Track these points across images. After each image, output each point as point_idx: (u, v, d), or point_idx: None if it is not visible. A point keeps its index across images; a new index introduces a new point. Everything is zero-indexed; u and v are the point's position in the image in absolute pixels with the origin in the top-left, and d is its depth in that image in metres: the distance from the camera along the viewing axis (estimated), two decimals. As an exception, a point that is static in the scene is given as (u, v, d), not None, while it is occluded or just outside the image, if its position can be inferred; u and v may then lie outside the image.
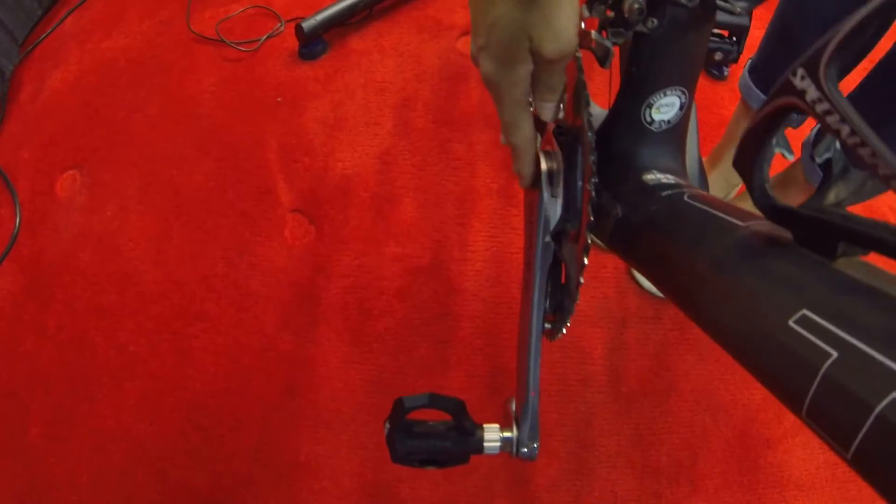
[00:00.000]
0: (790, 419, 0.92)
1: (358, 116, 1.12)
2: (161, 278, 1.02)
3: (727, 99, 1.17)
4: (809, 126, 0.89)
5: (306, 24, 1.12)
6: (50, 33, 1.35)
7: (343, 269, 0.99)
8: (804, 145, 0.84)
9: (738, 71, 1.19)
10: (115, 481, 0.90)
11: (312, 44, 1.16)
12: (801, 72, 0.27)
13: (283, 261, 1.01)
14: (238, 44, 1.21)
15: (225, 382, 0.94)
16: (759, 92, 0.85)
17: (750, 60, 0.89)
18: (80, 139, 1.17)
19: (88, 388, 0.96)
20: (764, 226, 0.33)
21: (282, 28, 1.22)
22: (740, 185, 1.01)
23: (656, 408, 0.91)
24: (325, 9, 1.15)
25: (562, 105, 0.53)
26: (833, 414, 0.23)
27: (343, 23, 1.18)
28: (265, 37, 1.22)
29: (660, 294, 0.97)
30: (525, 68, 0.35)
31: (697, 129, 0.64)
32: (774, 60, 0.81)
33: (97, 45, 1.30)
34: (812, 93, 0.26)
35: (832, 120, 0.25)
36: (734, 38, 1.04)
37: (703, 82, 1.18)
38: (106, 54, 1.28)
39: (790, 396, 0.25)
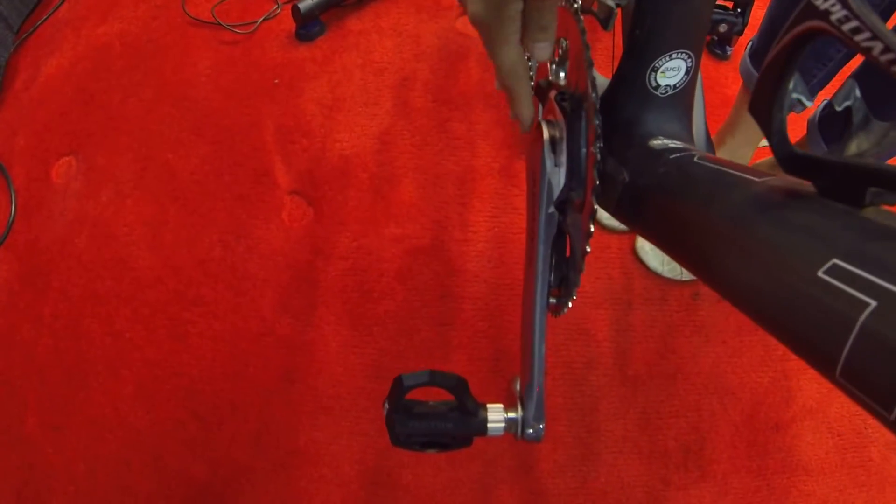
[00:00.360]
0: (799, 402, 0.90)
1: (356, 97, 1.10)
2: (157, 263, 1.00)
3: (731, 78, 1.14)
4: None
5: (303, 5, 1.10)
6: (45, 20, 1.33)
7: (342, 250, 0.97)
8: (809, 123, 0.81)
9: (741, 52, 1.17)
10: (112, 470, 0.89)
11: (309, 25, 1.14)
12: None
13: (281, 243, 0.99)
14: (234, 26, 1.19)
15: (222, 368, 0.92)
16: None
17: (750, 43, 0.86)
18: (75, 125, 1.16)
19: (84, 376, 0.95)
20: (782, 180, 0.31)
21: (278, 10, 1.20)
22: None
23: (663, 391, 0.89)
24: (322, -10, 1.13)
25: (562, 73, 0.51)
26: (873, 370, 0.20)
27: (340, 3, 1.16)
28: (262, 19, 1.19)
29: (666, 274, 0.95)
30: (514, 6, 0.34)
31: (703, 95, 0.61)
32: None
33: (92, 31, 1.28)
34: (838, 12, 0.24)
35: (862, 38, 0.23)
36: (739, 10, 1.01)
37: (705, 62, 1.15)
38: (101, 39, 1.26)
39: (822, 356, 0.23)
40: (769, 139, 0.30)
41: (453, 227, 0.98)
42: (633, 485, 0.85)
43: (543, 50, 0.38)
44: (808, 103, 0.77)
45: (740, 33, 1.06)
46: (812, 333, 0.24)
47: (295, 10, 1.11)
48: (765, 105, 0.29)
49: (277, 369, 0.91)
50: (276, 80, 1.13)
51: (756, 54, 0.84)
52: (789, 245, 0.26)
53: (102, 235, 1.04)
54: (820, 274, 0.23)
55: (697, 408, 0.89)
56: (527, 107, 0.42)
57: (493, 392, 0.88)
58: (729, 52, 1.15)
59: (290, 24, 1.17)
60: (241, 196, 1.03)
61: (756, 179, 0.32)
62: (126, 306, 0.98)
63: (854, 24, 0.23)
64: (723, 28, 1.05)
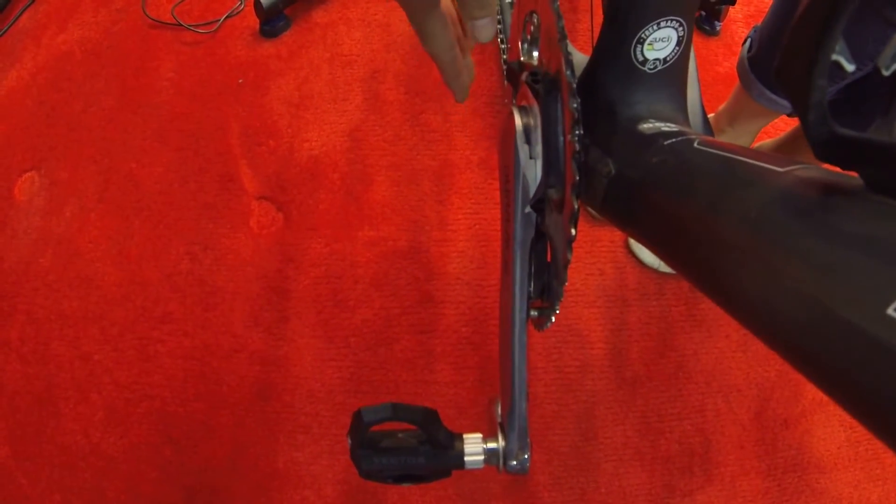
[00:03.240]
0: (808, 396, 0.85)
1: (324, 93, 1.04)
2: (123, 280, 0.95)
3: (721, 55, 1.08)
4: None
5: (265, 0, 1.04)
6: (5, 31, 1.28)
7: (314, 257, 0.92)
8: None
9: (731, 27, 1.10)
10: (87, 500, 0.85)
11: (273, 20, 1.09)
12: None
13: (250, 253, 0.93)
14: (196, 26, 1.13)
15: (194, 388, 0.87)
16: (763, 87, 0.72)
17: (749, 42, 0.75)
18: (36, 139, 1.11)
19: (55, 402, 0.90)
20: (813, 170, 0.24)
21: (241, 6, 1.15)
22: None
23: (663, 392, 0.84)
24: (286, -18, 1.07)
25: (534, 52, 0.46)
26: None
27: (305, -5, 1.11)
28: (224, 17, 1.14)
29: (663, 268, 0.89)
30: None
31: (697, 69, 0.55)
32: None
33: (52, 40, 1.22)
34: None
35: None
36: (732, -22, 0.94)
37: (694, 38, 1.09)
38: (61, 48, 1.20)
39: (892, 424, 0.17)
40: (803, 115, 0.22)
41: (431, 227, 0.93)
42: (635, 494, 0.80)
43: (484, 29, 0.34)
44: (848, 67, 0.60)
45: (733, 2, 0.99)
46: (878, 394, 0.17)
47: (257, 4, 1.05)
48: (799, 69, 0.22)
49: (251, 387, 0.86)
50: (241, 80, 1.07)
51: (758, 62, 0.72)
52: (840, 266, 0.19)
53: (67, 253, 0.99)
54: (890, 312, 0.17)
55: (701, 408, 0.84)
56: (456, 74, 0.39)
57: (481, 404, 0.82)
58: (718, 28, 1.08)
59: (253, 21, 1.12)
60: (207, 204, 0.97)
61: (779, 169, 0.25)
62: (94, 326, 0.93)
63: None
64: (714, -2, 0.99)
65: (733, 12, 1.09)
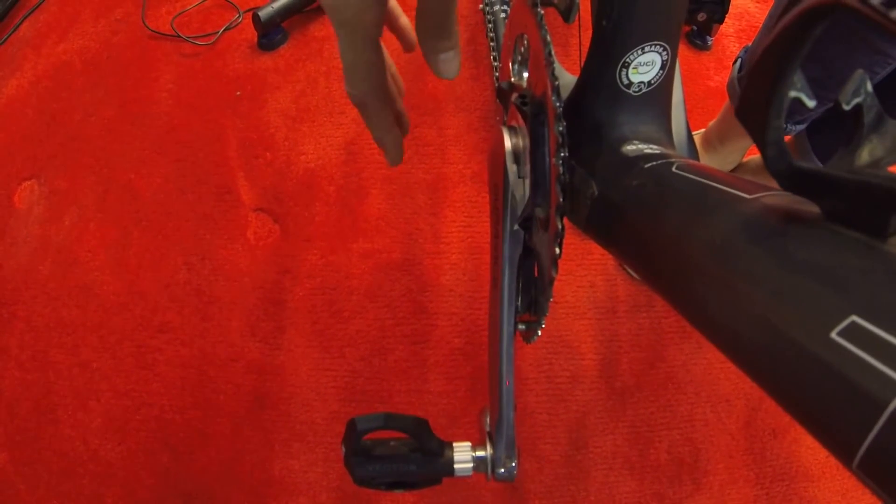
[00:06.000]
0: (798, 406, 0.85)
1: (321, 106, 1.05)
2: (122, 289, 0.96)
3: (712, 69, 1.10)
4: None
5: (263, 13, 1.06)
6: (5, 40, 1.29)
7: (309, 268, 0.93)
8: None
9: (722, 41, 1.12)
10: (85, 507, 0.85)
11: (271, 33, 1.10)
12: None
13: (247, 263, 0.95)
14: (195, 38, 1.15)
15: (192, 397, 0.88)
16: None
17: (739, 63, 0.75)
18: (36, 147, 1.12)
19: (53, 409, 0.91)
20: (778, 198, 0.25)
21: (240, 19, 1.16)
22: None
23: (653, 402, 0.85)
24: (284, -4, 1.09)
25: (524, 73, 0.47)
26: None
27: (302, 10, 1.12)
28: (223, 29, 1.15)
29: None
30: None
31: (683, 92, 0.56)
32: None
33: (52, 49, 1.24)
34: None
35: None
36: (718, -3, 0.96)
37: (686, 52, 1.11)
38: (61, 57, 1.22)
39: (835, 440, 0.18)
40: (762, 151, 0.24)
41: (425, 240, 0.94)
42: (625, 502, 0.82)
43: (449, 63, 0.30)
44: (809, 103, 0.63)
45: (721, 21, 1.01)
46: (822, 411, 0.18)
47: (255, 18, 1.07)
48: (757, 109, 0.23)
49: (248, 395, 0.87)
50: (239, 93, 1.08)
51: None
52: (791, 291, 0.20)
53: (66, 262, 1.00)
54: (833, 336, 0.18)
55: (690, 418, 0.85)
56: (385, 129, 0.34)
57: (472, 413, 0.84)
58: (709, 42, 1.10)
59: (251, 34, 1.13)
60: (205, 215, 0.98)
61: (746, 196, 0.26)
62: (92, 335, 0.94)
63: None
64: (701, 17, 1.01)
65: (724, 27, 1.11)
